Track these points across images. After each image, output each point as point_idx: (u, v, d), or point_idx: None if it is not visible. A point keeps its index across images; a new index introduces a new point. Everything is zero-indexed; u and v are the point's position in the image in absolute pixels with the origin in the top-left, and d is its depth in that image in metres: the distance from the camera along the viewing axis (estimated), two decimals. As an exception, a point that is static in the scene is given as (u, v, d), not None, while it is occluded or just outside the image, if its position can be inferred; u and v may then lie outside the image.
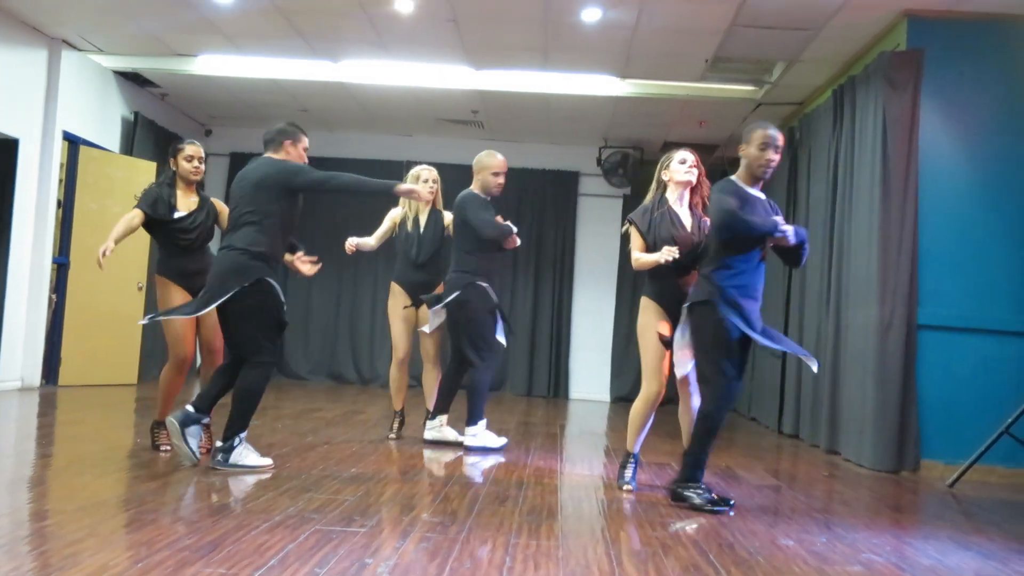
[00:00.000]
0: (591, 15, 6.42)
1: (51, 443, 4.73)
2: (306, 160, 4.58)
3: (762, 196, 4.21)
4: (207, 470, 4.26)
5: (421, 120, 9.84)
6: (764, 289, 4.30)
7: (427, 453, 5.27)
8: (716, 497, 4.03)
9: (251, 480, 4.07)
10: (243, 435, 4.29)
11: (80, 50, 8.00)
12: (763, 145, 4.04)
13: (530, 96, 8.48)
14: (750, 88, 7.89)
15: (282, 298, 4.41)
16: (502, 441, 5.55)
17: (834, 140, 6.87)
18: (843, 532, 3.76)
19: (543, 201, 10.55)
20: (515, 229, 5.43)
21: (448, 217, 5.79)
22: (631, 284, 10.33)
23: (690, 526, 3.70)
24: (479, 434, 5.43)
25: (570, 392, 10.45)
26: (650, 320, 4.37)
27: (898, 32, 6.11)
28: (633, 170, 10.21)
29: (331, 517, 3.40)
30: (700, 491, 4.03)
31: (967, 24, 5.93)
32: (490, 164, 5.52)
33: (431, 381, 5.73)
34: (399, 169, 10.62)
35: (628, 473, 4.45)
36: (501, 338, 5.53)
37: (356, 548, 2.97)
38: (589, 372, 10.52)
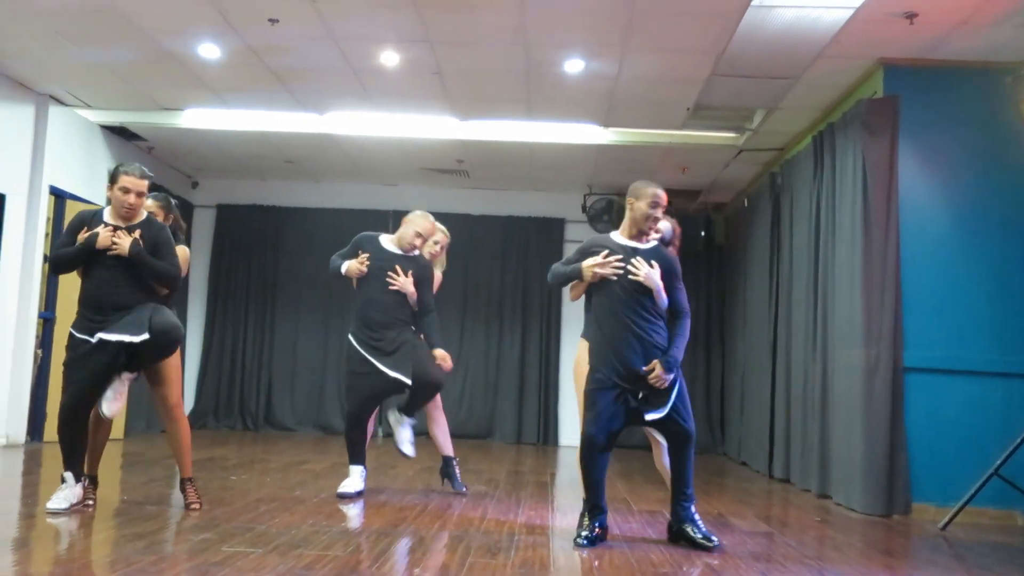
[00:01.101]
0: (573, 66, 6.53)
1: (36, 502, 4.66)
2: (128, 203, 4.45)
3: (643, 246, 4.31)
4: (194, 527, 4.21)
5: (406, 169, 9.91)
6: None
7: (417, 505, 5.23)
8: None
9: (240, 537, 4.02)
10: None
11: (67, 105, 8.05)
12: (652, 203, 4.28)
13: (514, 145, 8.57)
14: (731, 135, 8.01)
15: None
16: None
17: (815, 185, 6.97)
18: (836, 579, 3.75)
19: (528, 248, 10.60)
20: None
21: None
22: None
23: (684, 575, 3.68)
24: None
25: (559, 439, 10.41)
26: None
27: (875, 80, 6.24)
28: (618, 216, 10.21)
29: (321, 575, 3.36)
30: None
31: (941, 71, 6.06)
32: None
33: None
34: (385, 219, 10.71)
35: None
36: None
37: (347, 606, 2.94)
38: (578, 419, 10.46)
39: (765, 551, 4.34)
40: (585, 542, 4.18)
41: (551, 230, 10.65)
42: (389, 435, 5.60)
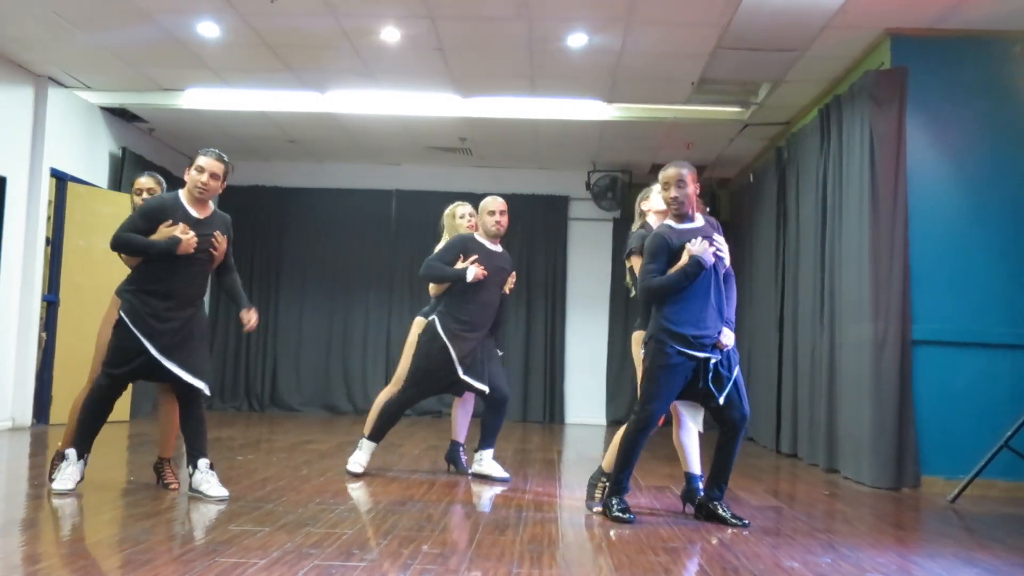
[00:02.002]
0: (577, 40, 6.46)
1: (43, 484, 4.65)
2: (201, 182, 4.47)
3: (701, 225, 4.22)
4: (201, 507, 4.21)
5: (410, 148, 9.85)
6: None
7: (424, 483, 5.22)
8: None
9: (247, 515, 4.02)
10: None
11: (67, 87, 8.00)
12: (664, 187, 4.20)
13: (518, 122, 8.51)
14: (737, 109, 7.93)
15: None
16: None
17: (822, 158, 6.90)
18: (847, 552, 3.73)
19: (533, 226, 10.55)
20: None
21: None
22: (623, 307, 10.33)
23: (693, 550, 3.66)
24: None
25: (566, 417, 10.41)
26: None
27: (882, 51, 6.16)
28: (622, 193, 10.23)
29: (330, 552, 3.35)
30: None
31: (949, 41, 5.98)
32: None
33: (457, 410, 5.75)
34: (388, 198, 10.69)
35: (597, 494, 4.49)
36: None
37: (356, 583, 2.92)
38: (584, 396, 10.48)
39: (775, 525, 4.32)
40: (632, 516, 4.17)
41: (555, 208, 10.60)
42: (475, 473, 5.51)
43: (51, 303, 7.96)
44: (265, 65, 7.21)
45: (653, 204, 4.59)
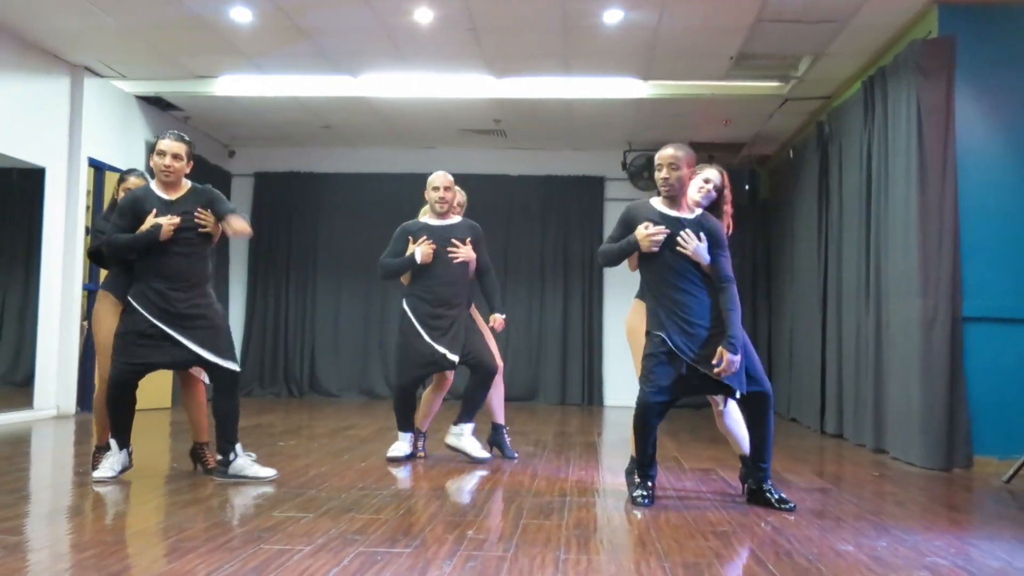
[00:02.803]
0: (612, 16, 6.34)
1: (88, 471, 4.68)
2: (163, 165, 4.41)
3: (688, 216, 4.13)
4: (244, 493, 4.21)
5: (443, 132, 9.79)
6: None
7: (466, 468, 5.18)
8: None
9: (291, 502, 4.00)
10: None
11: (102, 76, 8.03)
12: (657, 167, 4.13)
13: (552, 102, 8.41)
14: (776, 84, 7.77)
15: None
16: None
17: (866, 132, 6.73)
18: (902, 535, 3.62)
19: (569, 208, 10.46)
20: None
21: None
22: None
23: (744, 534, 3.58)
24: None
25: (604, 399, 10.33)
26: None
27: (929, 20, 5.97)
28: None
29: (374, 538, 3.32)
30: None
31: (999, 8, 5.79)
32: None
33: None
34: (423, 183, 10.59)
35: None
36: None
37: (402, 570, 2.89)
38: (623, 378, 10.35)
39: (823, 507, 4.22)
40: (647, 501, 4.13)
41: (591, 189, 10.49)
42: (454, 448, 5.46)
43: (92, 292, 8.02)
44: (298, 49, 7.18)
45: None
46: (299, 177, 10.68)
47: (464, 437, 5.39)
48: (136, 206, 4.42)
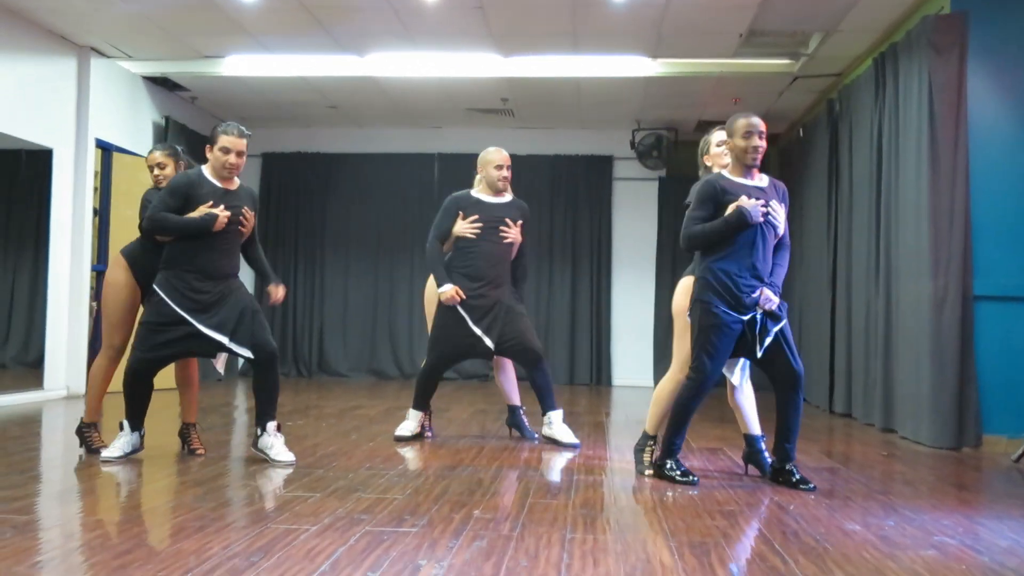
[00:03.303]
0: (621, -6, 6.28)
1: (97, 452, 4.71)
2: (229, 163, 4.41)
3: (764, 184, 4.11)
4: (252, 473, 4.23)
5: (451, 111, 9.74)
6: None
7: (472, 448, 5.19)
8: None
9: (298, 481, 4.02)
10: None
11: (109, 57, 8.01)
12: (746, 134, 4.04)
13: (560, 81, 8.35)
14: (786, 61, 7.69)
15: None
16: None
17: (876, 110, 6.67)
18: (910, 514, 3.62)
19: (577, 187, 10.42)
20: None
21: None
22: (670, 266, 10.19)
23: (751, 513, 3.58)
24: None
25: (613, 379, 10.33)
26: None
27: (941, -6, 5.90)
28: (668, 152, 10.03)
29: (381, 518, 3.33)
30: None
31: (1013, -18, 5.71)
32: (492, 159, 5.37)
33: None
34: (430, 162, 10.60)
35: (647, 458, 4.40)
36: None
37: (409, 549, 2.89)
38: (631, 358, 10.39)
39: (832, 487, 4.22)
40: (696, 478, 4.13)
41: (600, 168, 10.44)
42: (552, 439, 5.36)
43: (100, 273, 8.04)
44: (304, 29, 7.14)
45: (715, 159, 4.43)
46: (306, 157, 10.66)
47: (554, 425, 5.31)
48: (191, 190, 4.38)
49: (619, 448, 5.30)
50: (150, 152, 4.87)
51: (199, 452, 4.73)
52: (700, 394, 4.08)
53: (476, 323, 5.18)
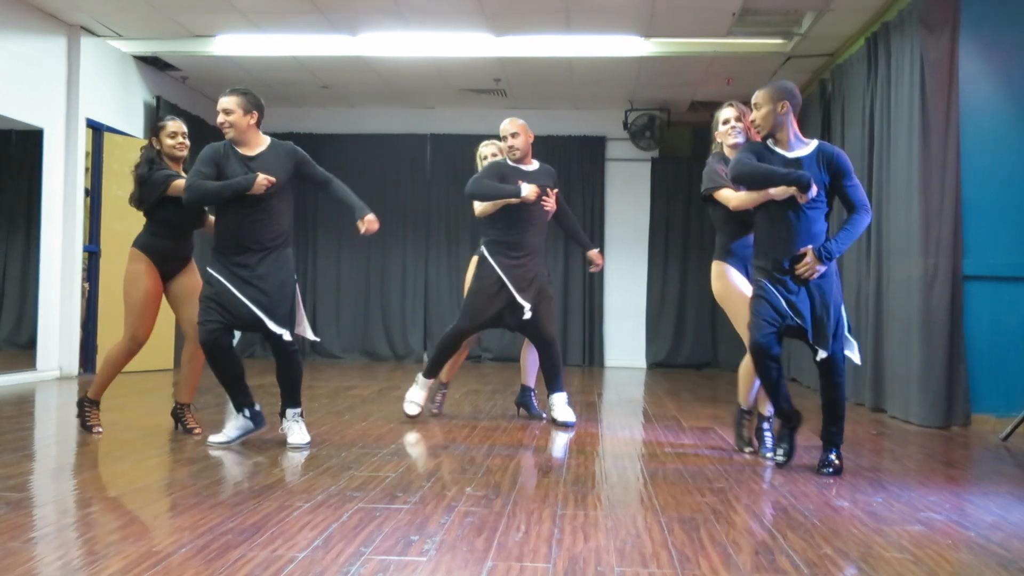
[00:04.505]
0: (613, -27, 6.25)
1: (91, 429, 4.72)
2: (220, 123, 4.38)
3: (804, 154, 4.00)
4: (245, 452, 4.24)
5: (443, 91, 9.71)
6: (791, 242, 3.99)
7: (465, 427, 5.21)
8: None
9: (291, 460, 4.04)
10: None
11: (98, 36, 7.96)
12: (754, 105, 4.09)
13: (553, 61, 8.33)
14: (779, 41, 7.68)
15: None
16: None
17: (868, 90, 6.67)
18: (898, 491, 3.65)
19: (569, 168, 10.40)
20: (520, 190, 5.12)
21: None
22: (663, 248, 10.22)
23: (740, 490, 3.61)
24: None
25: (605, 360, 10.37)
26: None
27: (933, -27, 5.89)
28: (660, 132, 10.03)
29: (374, 495, 3.35)
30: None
31: (1005, -39, 5.70)
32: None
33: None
34: (423, 143, 10.58)
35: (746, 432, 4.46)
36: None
37: (401, 525, 2.92)
38: (624, 339, 10.42)
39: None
40: (786, 458, 4.10)
41: (592, 149, 10.43)
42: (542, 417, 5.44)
43: (92, 253, 8.03)
44: (295, 7, 7.10)
45: (723, 138, 4.47)
46: (298, 138, 10.58)
47: (555, 406, 5.32)
48: (217, 157, 4.33)
49: (611, 427, 5.33)
50: (166, 122, 4.78)
51: (196, 432, 4.72)
52: (763, 361, 3.93)
53: (520, 292, 5.16)
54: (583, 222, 10.35)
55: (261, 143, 4.45)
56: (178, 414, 4.82)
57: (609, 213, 10.47)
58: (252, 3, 7.06)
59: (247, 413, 4.41)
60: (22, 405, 6.05)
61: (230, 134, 4.36)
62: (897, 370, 5.98)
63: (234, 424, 4.42)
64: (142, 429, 4.69)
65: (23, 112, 7.28)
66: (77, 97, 7.75)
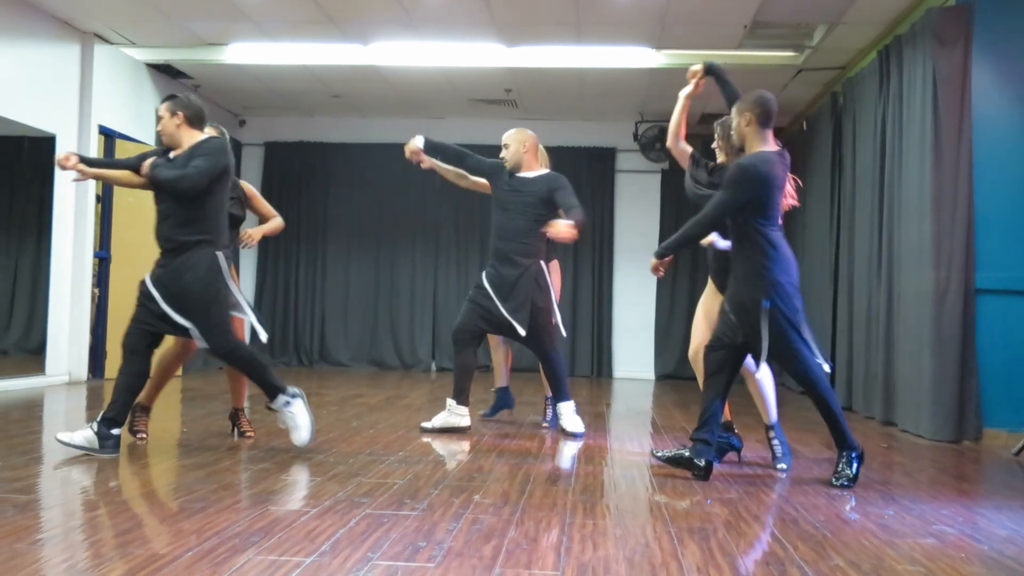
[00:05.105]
0: (625, -16, 6.26)
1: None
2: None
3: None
4: (253, 457, 4.23)
5: (454, 101, 9.73)
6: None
7: (473, 435, 5.19)
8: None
9: (298, 466, 4.03)
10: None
11: (112, 43, 8.01)
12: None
13: (563, 72, 8.34)
14: (790, 54, 7.67)
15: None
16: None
17: (880, 103, 6.66)
18: (909, 504, 3.62)
19: (580, 179, 10.36)
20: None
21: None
22: (673, 259, 10.17)
23: (750, 501, 3.58)
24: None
25: (614, 371, 10.34)
26: None
27: (946, -14, 5.89)
28: (670, 144, 10.01)
29: (381, 501, 3.34)
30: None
31: (1019, -25, 5.69)
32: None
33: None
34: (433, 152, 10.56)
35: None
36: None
37: (408, 532, 2.90)
38: (632, 350, 10.39)
39: (831, 477, 4.21)
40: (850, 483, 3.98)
41: (602, 160, 10.44)
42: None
43: (103, 259, 8.05)
44: (307, 16, 7.13)
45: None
46: (309, 147, 10.66)
47: (563, 416, 5.30)
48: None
49: (619, 437, 5.31)
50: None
51: (249, 435, 4.79)
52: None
53: (503, 301, 5.11)
54: (592, 233, 10.35)
55: (184, 146, 4.41)
56: (234, 419, 4.88)
57: (619, 224, 10.46)
58: (264, 12, 7.09)
59: (290, 399, 4.36)
60: (31, 409, 6.05)
61: (165, 140, 4.43)
62: (908, 384, 5.94)
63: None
64: (151, 434, 4.69)
65: (36, 118, 7.31)
66: (90, 104, 7.79)
